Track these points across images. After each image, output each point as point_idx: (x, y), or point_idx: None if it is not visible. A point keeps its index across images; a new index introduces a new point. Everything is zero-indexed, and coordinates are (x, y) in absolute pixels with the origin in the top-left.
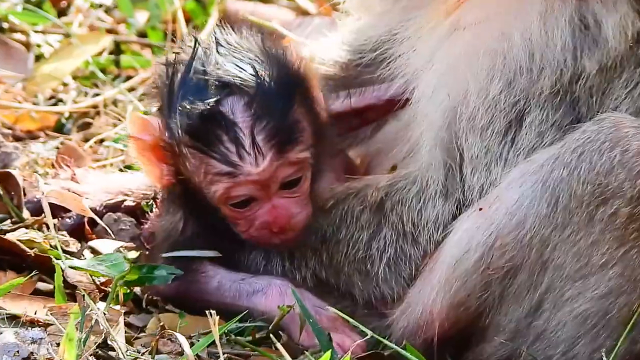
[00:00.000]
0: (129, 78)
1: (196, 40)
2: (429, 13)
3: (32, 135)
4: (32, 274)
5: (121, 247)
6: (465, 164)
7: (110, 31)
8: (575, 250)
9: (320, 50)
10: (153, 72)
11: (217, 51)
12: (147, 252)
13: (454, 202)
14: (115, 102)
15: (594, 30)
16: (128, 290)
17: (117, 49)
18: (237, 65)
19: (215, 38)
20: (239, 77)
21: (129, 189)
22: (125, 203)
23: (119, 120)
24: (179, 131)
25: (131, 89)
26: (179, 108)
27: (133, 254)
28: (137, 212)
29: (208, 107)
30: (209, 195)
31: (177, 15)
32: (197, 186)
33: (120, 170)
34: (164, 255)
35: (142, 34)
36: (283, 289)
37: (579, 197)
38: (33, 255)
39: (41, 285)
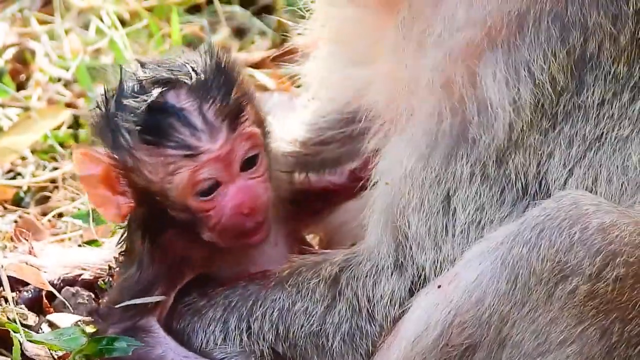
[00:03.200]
0: None
1: (121, 68)
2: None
3: None
4: None
5: (79, 321)
6: (410, 242)
7: (69, 105)
8: (533, 327)
9: (281, 128)
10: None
11: (145, 67)
12: (101, 313)
13: (408, 278)
14: (73, 177)
15: (487, 116)
16: None
17: (76, 123)
18: (171, 68)
19: (141, 62)
20: (175, 73)
21: (86, 264)
22: (83, 277)
23: (77, 194)
24: (127, 136)
25: None
26: (122, 114)
27: (91, 328)
28: (95, 287)
29: (152, 100)
30: (173, 193)
31: None
32: (158, 191)
33: (79, 245)
34: (117, 305)
35: None
36: None
37: (538, 274)
38: None
39: None
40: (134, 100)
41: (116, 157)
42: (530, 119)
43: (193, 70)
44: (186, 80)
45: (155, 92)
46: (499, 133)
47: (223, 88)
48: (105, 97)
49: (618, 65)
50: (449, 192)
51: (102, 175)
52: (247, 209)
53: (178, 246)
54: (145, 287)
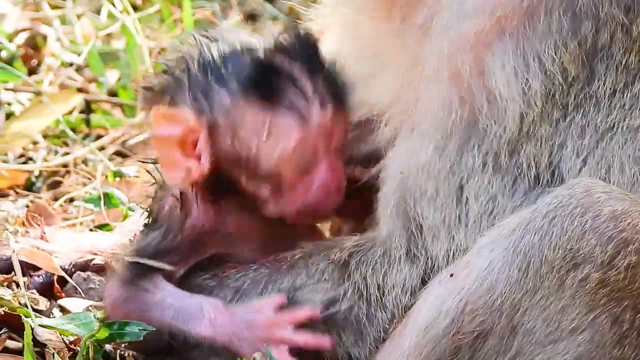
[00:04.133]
0: (99, 137)
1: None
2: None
3: (1, 193)
4: (2, 332)
5: (90, 306)
6: (424, 231)
7: (80, 90)
8: (545, 315)
9: None
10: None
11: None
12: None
13: (421, 267)
14: (85, 161)
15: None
16: (98, 347)
17: (88, 108)
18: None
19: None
20: (275, 42)
21: (98, 249)
22: (95, 262)
23: (89, 179)
24: (230, 94)
25: (101, 148)
26: (226, 71)
27: (102, 313)
28: (106, 271)
29: (264, 58)
30: (269, 158)
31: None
32: (249, 156)
33: (90, 229)
34: (126, 259)
35: (113, 93)
36: (215, 309)
37: (550, 262)
38: (2, 313)
39: (10, 344)
40: (242, 58)
41: (209, 117)
42: (541, 109)
43: (296, 38)
44: (292, 51)
45: (266, 52)
46: (510, 124)
47: (326, 64)
48: (197, 57)
49: (630, 56)
50: (461, 182)
51: (181, 138)
52: (335, 187)
53: (213, 220)
54: (160, 252)
